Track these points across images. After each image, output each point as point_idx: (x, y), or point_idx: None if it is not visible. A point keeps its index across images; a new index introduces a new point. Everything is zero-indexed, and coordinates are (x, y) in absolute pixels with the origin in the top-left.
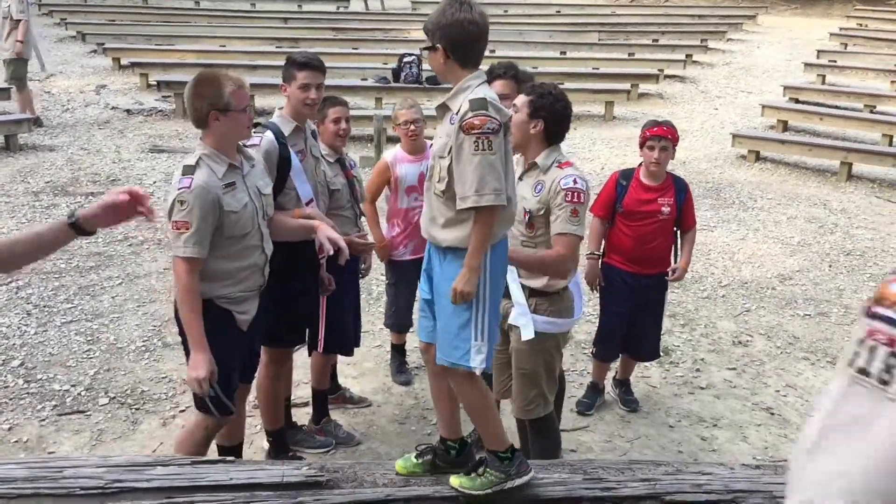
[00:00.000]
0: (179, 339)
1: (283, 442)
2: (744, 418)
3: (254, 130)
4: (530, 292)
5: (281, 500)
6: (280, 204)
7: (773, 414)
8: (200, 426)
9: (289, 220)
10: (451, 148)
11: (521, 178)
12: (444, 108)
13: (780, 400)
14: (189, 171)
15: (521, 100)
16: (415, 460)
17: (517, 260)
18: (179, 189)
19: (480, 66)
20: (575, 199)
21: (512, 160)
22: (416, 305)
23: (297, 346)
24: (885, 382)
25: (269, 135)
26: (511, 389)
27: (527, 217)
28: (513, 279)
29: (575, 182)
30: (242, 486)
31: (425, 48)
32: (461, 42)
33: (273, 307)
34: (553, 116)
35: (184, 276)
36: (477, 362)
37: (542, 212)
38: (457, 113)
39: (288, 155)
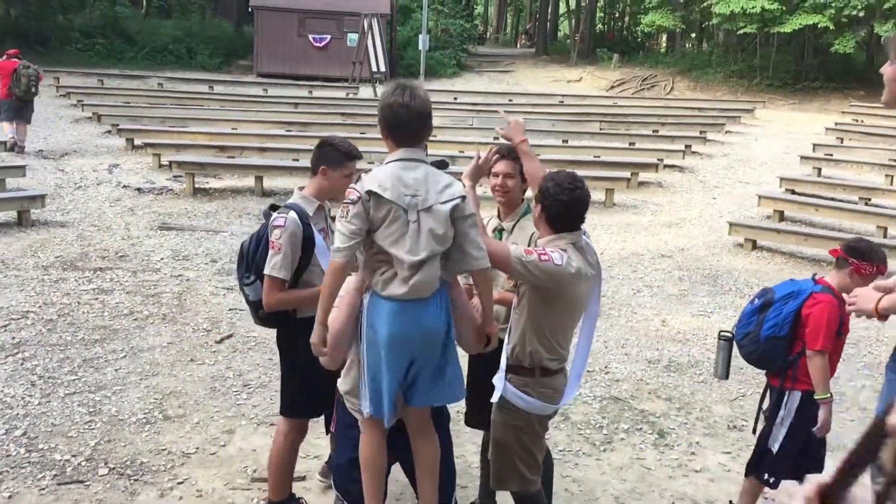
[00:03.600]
0: (181, 411)
1: None
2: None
3: (278, 212)
4: (508, 367)
5: None
6: (306, 281)
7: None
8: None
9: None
10: None
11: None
12: None
13: None
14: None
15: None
16: None
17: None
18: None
19: (415, 146)
20: (538, 250)
21: (386, 220)
22: None
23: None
24: None
25: (292, 215)
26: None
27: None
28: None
29: (553, 252)
30: None
31: None
32: (392, 124)
33: (297, 378)
34: (551, 204)
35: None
36: (364, 407)
37: None
38: None
39: (311, 234)
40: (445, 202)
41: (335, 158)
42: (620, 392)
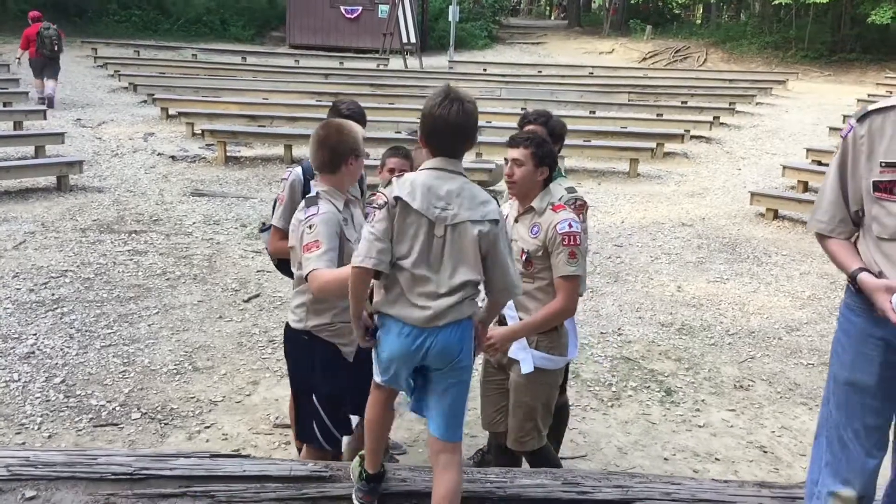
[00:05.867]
0: (209, 363)
1: None
2: (737, 455)
3: (287, 167)
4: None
5: (289, 490)
6: None
7: (766, 452)
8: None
9: None
10: None
11: (516, 221)
12: None
13: (774, 440)
14: (312, 202)
15: (519, 153)
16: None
17: (526, 332)
18: (306, 216)
19: (450, 157)
20: (571, 242)
21: (409, 232)
22: None
23: None
24: None
25: (297, 169)
26: (499, 423)
27: (524, 256)
28: (511, 316)
29: (570, 226)
30: (254, 477)
31: None
32: (430, 134)
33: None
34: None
35: (318, 285)
36: (377, 374)
37: (539, 252)
38: None
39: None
40: (476, 221)
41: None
42: (632, 353)
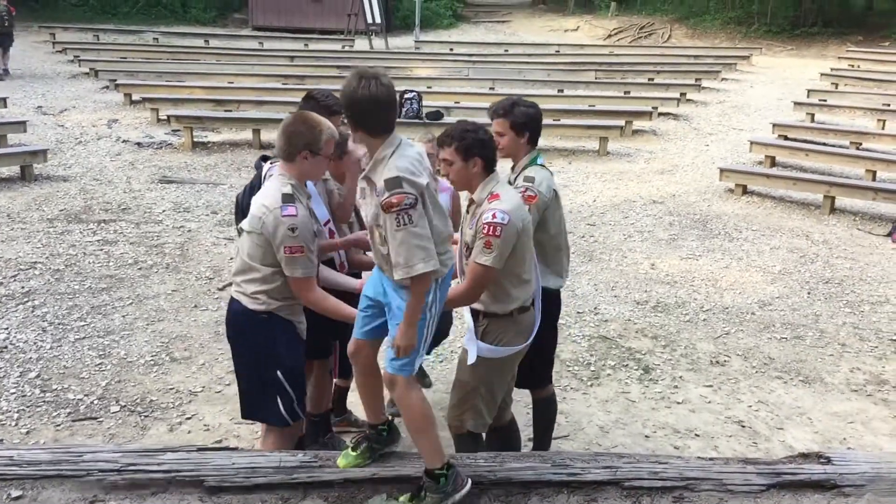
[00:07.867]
0: (187, 354)
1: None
2: (716, 430)
3: (270, 160)
4: (483, 314)
5: (279, 475)
6: None
7: (744, 426)
8: (276, 441)
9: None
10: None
11: (468, 212)
12: (367, 181)
13: (751, 414)
14: (289, 199)
15: (448, 154)
16: (353, 453)
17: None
18: (286, 216)
19: (393, 132)
20: (489, 232)
21: (441, 208)
22: None
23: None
24: None
25: None
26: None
27: (466, 250)
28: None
29: (493, 216)
30: (244, 468)
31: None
32: (361, 115)
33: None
34: (485, 149)
35: (308, 295)
36: (415, 368)
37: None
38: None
39: None
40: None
41: (315, 111)
42: (609, 331)
